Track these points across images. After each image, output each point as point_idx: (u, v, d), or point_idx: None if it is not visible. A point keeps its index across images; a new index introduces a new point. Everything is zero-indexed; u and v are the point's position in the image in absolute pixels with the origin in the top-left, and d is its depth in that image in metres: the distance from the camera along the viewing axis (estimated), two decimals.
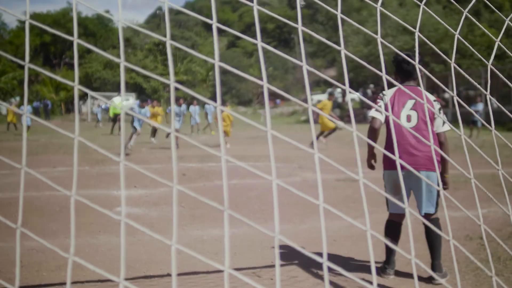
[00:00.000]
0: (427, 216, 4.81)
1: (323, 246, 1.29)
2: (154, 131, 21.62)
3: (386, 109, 4.84)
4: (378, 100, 4.96)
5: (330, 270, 5.39)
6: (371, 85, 45.47)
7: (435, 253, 4.87)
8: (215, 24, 1.39)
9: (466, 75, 2.18)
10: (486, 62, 2.36)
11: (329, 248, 5.79)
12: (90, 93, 1.37)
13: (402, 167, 4.73)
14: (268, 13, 1.51)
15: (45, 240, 4.83)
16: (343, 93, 53.18)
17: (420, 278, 4.89)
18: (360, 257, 5.55)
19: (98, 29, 67.55)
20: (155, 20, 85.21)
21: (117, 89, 52.61)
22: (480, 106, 25.73)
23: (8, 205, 7.60)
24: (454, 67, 2.20)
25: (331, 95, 18.87)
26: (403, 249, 4.82)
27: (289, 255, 5.61)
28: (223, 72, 61.38)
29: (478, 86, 2.33)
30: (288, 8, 74.85)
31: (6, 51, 55.41)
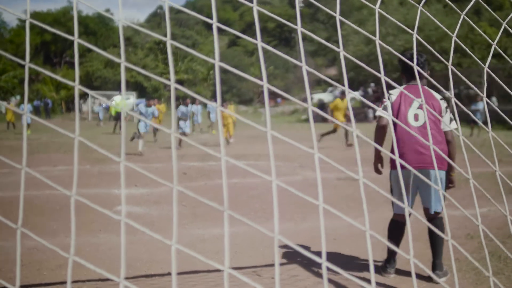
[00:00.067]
0: (435, 214, 4.80)
1: (322, 246, 1.29)
2: (155, 130, 21.60)
3: (393, 109, 4.83)
4: (384, 100, 4.94)
5: (330, 269, 5.38)
6: (372, 84, 45.43)
7: (437, 252, 4.86)
8: (215, 24, 1.39)
9: (463, 77, 2.18)
10: (482, 65, 2.36)
11: (329, 247, 5.79)
12: (90, 92, 1.37)
13: (411, 166, 4.72)
14: (268, 14, 1.50)
15: (46, 239, 4.82)
16: (344, 93, 53.18)
17: (421, 277, 4.89)
18: (361, 255, 5.55)
19: (99, 27, 67.52)
20: (155, 19, 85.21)
21: (118, 88, 52.58)
22: (481, 105, 25.69)
23: (8, 204, 7.60)
24: (452, 69, 2.19)
25: (343, 94, 18.82)
26: (404, 247, 4.83)
27: (290, 254, 5.61)
28: (224, 71, 61.38)
29: (475, 88, 2.32)
30: (289, 7, 74.79)
31: (6, 50, 55.38)
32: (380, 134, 4.86)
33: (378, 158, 5.05)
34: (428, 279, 4.83)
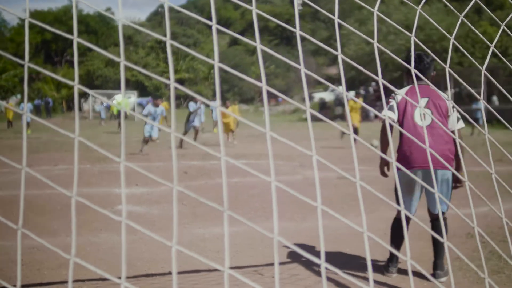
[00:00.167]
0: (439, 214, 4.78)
1: (321, 246, 1.29)
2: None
3: (399, 109, 4.81)
4: (390, 100, 4.93)
5: (333, 265, 5.37)
6: (373, 83, 45.43)
7: (438, 252, 4.85)
8: (214, 25, 1.39)
9: (460, 79, 2.17)
10: (480, 67, 2.35)
11: (330, 246, 5.79)
12: (90, 92, 1.37)
13: (418, 166, 4.70)
14: (267, 17, 1.50)
15: (46, 239, 4.83)
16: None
17: (422, 276, 4.89)
18: (362, 255, 5.54)
19: (99, 26, 67.54)
20: (156, 18, 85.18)
21: (118, 86, 52.60)
22: (482, 104, 25.69)
23: (9, 203, 7.60)
24: (450, 71, 2.19)
25: (357, 94, 18.80)
26: (404, 247, 4.80)
27: (291, 253, 5.61)
28: (225, 70, 61.29)
29: (472, 90, 2.32)
30: (290, 6, 74.74)
31: (6, 48, 55.39)
32: (385, 135, 4.85)
33: (384, 160, 5.02)
34: (432, 277, 4.83)
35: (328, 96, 49.87)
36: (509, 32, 2.72)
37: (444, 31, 2.45)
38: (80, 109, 51.05)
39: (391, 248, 4.88)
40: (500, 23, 2.55)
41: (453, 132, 4.74)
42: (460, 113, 4.78)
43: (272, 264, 5.17)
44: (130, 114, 31.75)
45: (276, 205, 1.35)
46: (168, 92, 55.83)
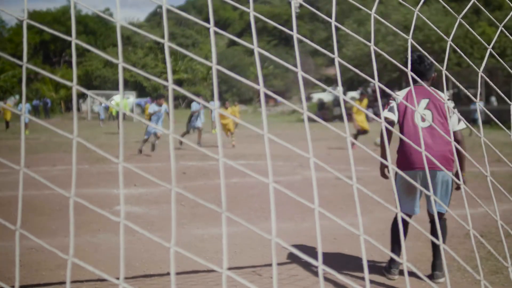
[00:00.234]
0: (438, 215, 4.77)
1: (319, 248, 1.28)
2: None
3: (400, 110, 4.80)
4: (390, 101, 4.92)
5: (331, 267, 5.37)
6: (372, 83, 45.45)
7: (437, 252, 4.84)
8: (212, 28, 1.38)
9: (457, 82, 2.18)
10: (477, 70, 2.35)
11: (329, 246, 5.79)
12: (88, 93, 1.36)
13: (418, 167, 4.69)
14: (264, 19, 1.50)
15: (45, 239, 4.82)
16: (344, 92, 53.17)
17: (420, 277, 4.88)
18: (361, 255, 5.54)
19: (98, 27, 67.46)
20: (155, 18, 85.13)
21: (117, 87, 52.58)
22: (481, 104, 25.73)
23: (8, 204, 7.60)
24: (446, 74, 2.19)
25: (362, 94, 18.61)
26: (407, 246, 4.78)
27: (290, 253, 5.61)
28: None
29: (467, 92, 2.32)
30: (289, 6, 74.71)
31: (5, 49, 55.34)
32: (386, 137, 4.82)
33: (385, 160, 4.99)
34: (428, 278, 4.83)
35: (326, 97, 49.91)
36: (507, 33, 2.72)
37: (441, 33, 2.45)
38: (79, 109, 51.05)
39: (392, 248, 4.86)
40: (498, 24, 2.55)
41: (453, 133, 4.73)
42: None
43: (270, 265, 5.17)
44: (129, 115, 31.69)
45: (274, 207, 1.35)
46: (166, 92, 55.83)
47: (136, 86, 53.96)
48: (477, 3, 2.45)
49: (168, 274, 4.97)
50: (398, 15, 38.75)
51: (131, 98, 45.14)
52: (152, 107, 16.64)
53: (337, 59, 1.61)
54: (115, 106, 1.44)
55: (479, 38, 2.63)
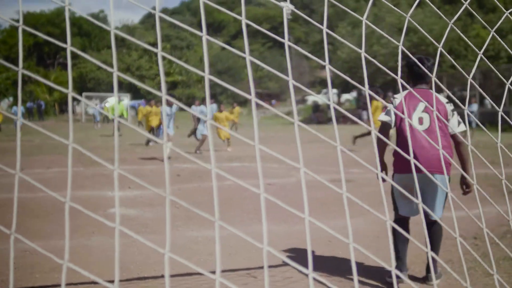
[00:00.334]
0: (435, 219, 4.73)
1: (309, 258, 1.28)
2: (152, 132, 21.40)
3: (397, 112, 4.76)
4: (388, 104, 4.89)
5: (325, 270, 5.36)
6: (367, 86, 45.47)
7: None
8: (205, 36, 1.39)
9: (446, 90, 2.18)
10: (467, 76, 2.36)
11: (323, 248, 5.79)
12: (82, 99, 1.37)
13: (415, 170, 4.63)
14: (258, 28, 1.50)
15: (39, 242, 4.79)
16: (339, 94, 53.25)
17: (415, 278, 4.90)
18: (356, 257, 5.54)
19: (92, 28, 67.35)
20: (150, 20, 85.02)
21: (111, 89, 52.53)
22: (475, 107, 25.85)
23: (2, 207, 7.57)
24: (435, 80, 2.20)
25: (377, 93, 18.46)
26: (411, 250, 4.77)
27: (285, 254, 5.61)
28: (219, 71, 61.31)
29: (453, 97, 2.32)
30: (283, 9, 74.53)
31: None
32: (381, 140, 4.80)
33: (381, 163, 4.98)
34: (422, 280, 4.84)
35: (321, 99, 49.97)
36: (498, 38, 2.73)
37: (431, 39, 2.45)
38: (73, 111, 50.97)
39: (395, 253, 4.81)
40: (490, 29, 2.56)
41: (453, 135, 4.70)
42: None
43: (267, 265, 5.16)
44: (126, 118, 31.46)
45: (265, 217, 1.35)
46: (161, 95, 55.74)
47: (130, 88, 53.88)
48: (469, 8, 2.45)
49: (162, 276, 4.97)
50: (393, 17, 38.82)
51: (126, 100, 45.06)
52: (161, 108, 16.31)
53: (328, 67, 1.61)
54: (109, 114, 1.44)
55: (471, 44, 2.64)
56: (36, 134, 24.70)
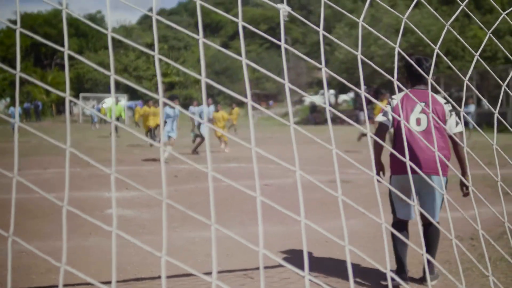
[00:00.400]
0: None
1: (305, 261, 1.29)
2: (150, 133, 21.35)
3: (395, 114, 4.72)
4: (386, 105, 4.89)
5: (322, 271, 5.35)
6: (364, 86, 45.50)
7: (430, 256, 4.80)
8: (201, 39, 1.39)
9: (442, 91, 2.19)
10: (463, 77, 2.36)
11: (320, 249, 5.79)
12: (79, 103, 1.37)
13: (412, 171, 4.58)
14: (254, 30, 1.50)
15: (36, 243, 4.78)
16: (336, 95, 53.30)
17: (412, 279, 4.90)
18: (352, 259, 5.54)
19: (89, 29, 67.26)
20: (147, 21, 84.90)
21: (109, 90, 52.40)
22: (472, 108, 25.89)
23: (1, 208, 7.55)
24: (432, 82, 2.20)
25: (382, 94, 18.42)
26: (409, 251, 4.75)
27: (281, 255, 5.61)
28: (216, 72, 61.29)
29: (449, 98, 2.33)
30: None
31: None
32: (377, 142, 4.78)
33: (378, 164, 4.93)
34: (419, 281, 4.84)
35: (318, 100, 50.00)
36: (495, 39, 2.73)
37: (428, 40, 2.45)
38: (70, 112, 50.91)
39: (396, 257, 4.78)
40: (487, 30, 2.56)
41: (451, 136, 4.67)
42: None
43: (263, 268, 5.16)
44: (123, 120, 31.37)
45: (261, 220, 1.35)
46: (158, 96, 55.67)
47: (127, 88, 53.81)
48: (466, 9, 2.46)
49: (159, 277, 4.96)
50: (390, 18, 38.83)
51: (123, 101, 45.06)
52: (164, 111, 15.98)
53: (324, 69, 1.61)
54: (106, 118, 1.44)
55: (467, 46, 2.64)
56: (33, 135, 24.48)
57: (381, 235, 5.35)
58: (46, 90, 52.90)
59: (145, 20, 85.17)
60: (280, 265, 5.26)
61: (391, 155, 4.70)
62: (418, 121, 4.72)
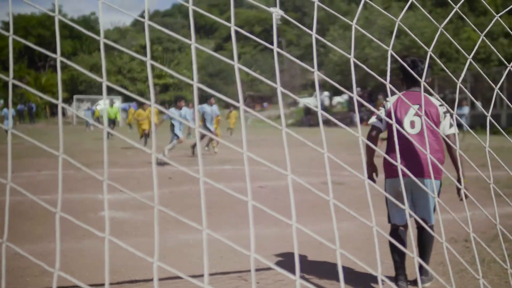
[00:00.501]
0: (426, 223, 4.65)
1: (296, 263, 1.29)
2: (145, 137, 21.31)
3: (389, 116, 4.65)
4: (380, 108, 4.88)
5: (315, 273, 5.35)
6: (358, 89, 45.68)
7: (424, 258, 4.79)
8: (193, 44, 1.39)
9: (435, 94, 2.20)
10: (455, 80, 2.36)
11: (314, 252, 5.79)
12: (72, 110, 1.36)
13: (405, 175, 4.51)
14: (246, 34, 1.51)
15: (30, 245, 4.77)
16: (330, 97, 53.35)
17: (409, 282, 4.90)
18: (346, 262, 5.55)
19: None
20: (141, 23, 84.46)
21: (104, 90, 52.40)
22: (466, 110, 25.97)
23: None
24: (425, 84, 2.21)
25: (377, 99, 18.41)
26: (408, 260, 4.76)
27: (275, 258, 5.61)
28: (210, 74, 61.25)
29: (442, 101, 2.33)
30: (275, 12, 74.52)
31: None
32: (369, 143, 4.73)
33: (370, 165, 4.91)
34: (413, 283, 4.84)
35: (313, 102, 50.06)
36: (488, 42, 2.74)
37: (421, 43, 2.46)
38: (64, 114, 50.81)
39: (394, 262, 4.76)
40: (480, 33, 2.57)
41: (446, 137, 4.64)
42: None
43: (256, 270, 5.17)
44: (118, 122, 31.28)
45: (252, 224, 1.35)
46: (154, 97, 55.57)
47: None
48: (459, 11, 2.46)
49: (153, 280, 4.95)
50: (384, 20, 38.88)
51: (117, 103, 44.97)
52: (171, 112, 15.79)
53: (316, 73, 1.61)
54: (99, 125, 1.44)
55: (460, 49, 2.65)
56: (27, 136, 24.57)
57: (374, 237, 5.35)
58: (40, 92, 52.77)
59: (139, 22, 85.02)
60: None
61: (384, 158, 4.66)
62: (412, 124, 4.69)
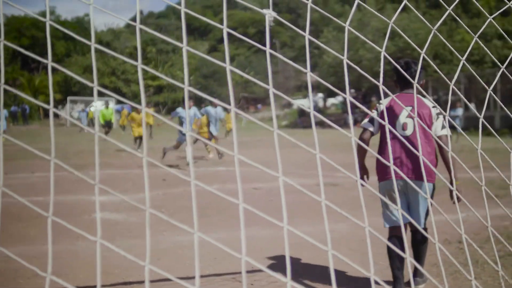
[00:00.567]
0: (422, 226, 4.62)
1: (287, 268, 1.29)
2: (139, 140, 21.18)
3: (382, 118, 4.61)
4: (373, 111, 4.86)
5: (309, 275, 5.35)
6: (352, 90, 45.75)
7: (419, 260, 4.78)
8: (185, 47, 1.38)
9: (428, 96, 2.20)
10: (448, 82, 2.37)
11: (307, 253, 5.78)
12: (68, 117, 1.36)
13: (397, 176, 4.44)
14: (240, 37, 1.51)
15: (23, 247, 4.75)
16: (324, 98, 53.42)
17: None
18: (339, 265, 5.54)
19: (77, 32, 66.92)
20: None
21: (97, 93, 52.28)
22: (460, 111, 26.05)
23: None
24: (417, 86, 2.21)
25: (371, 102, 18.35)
26: (407, 267, 4.75)
27: (268, 260, 5.60)
28: (204, 76, 61.20)
29: (435, 103, 2.34)
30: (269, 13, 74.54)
31: None
32: (361, 146, 4.72)
33: (361, 169, 4.89)
34: (407, 284, 4.84)
35: (307, 103, 50.09)
36: (481, 44, 2.74)
37: (414, 45, 2.46)
38: (58, 115, 50.70)
39: (391, 268, 4.72)
40: (473, 35, 2.58)
41: (438, 138, 4.62)
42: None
43: (250, 272, 5.16)
44: (113, 122, 31.27)
45: (243, 227, 1.35)
46: (147, 98, 55.54)
47: (115, 92, 53.71)
48: (453, 13, 2.47)
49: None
50: (378, 22, 38.94)
51: (111, 104, 44.89)
52: (179, 112, 15.34)
53: (309, 74, 1.62)
54: (91, 130, 1.44)
55: (454, 51, 2.66)
56: (20, 138, 24.45)
57: (370, 237, 5.34)
58: (34, 93, 52.65)
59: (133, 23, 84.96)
60: (268, 268, 5.26)
61: (377, 160, 4.63)
62: (405, 126, 4.67)
